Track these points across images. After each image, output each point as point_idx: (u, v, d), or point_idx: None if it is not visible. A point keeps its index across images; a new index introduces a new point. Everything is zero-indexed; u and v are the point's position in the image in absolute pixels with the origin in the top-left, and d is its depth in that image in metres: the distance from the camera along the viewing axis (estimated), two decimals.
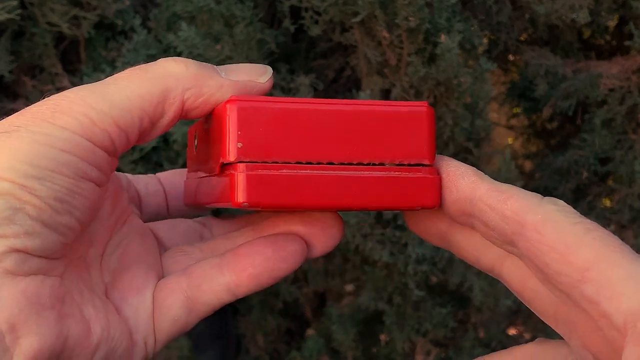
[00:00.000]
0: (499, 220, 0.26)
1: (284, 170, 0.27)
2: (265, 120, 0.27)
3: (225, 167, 0.28)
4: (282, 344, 1.20)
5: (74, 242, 0.28)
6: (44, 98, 0.27)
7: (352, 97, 1.03)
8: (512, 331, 1.37)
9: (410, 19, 0.89)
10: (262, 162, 0.27)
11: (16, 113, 0.27)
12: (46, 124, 0.26)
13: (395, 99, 0.99)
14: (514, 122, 1.47)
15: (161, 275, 0.32)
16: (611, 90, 1.11)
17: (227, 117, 0.27)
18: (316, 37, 1.03)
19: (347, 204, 0.28)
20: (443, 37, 0.91)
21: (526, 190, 0.27)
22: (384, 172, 0.28)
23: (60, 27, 0.98)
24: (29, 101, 1.02)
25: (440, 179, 0.29)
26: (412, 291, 0.98)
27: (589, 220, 0.25)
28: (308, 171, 0.27)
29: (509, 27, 1.15)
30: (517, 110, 1.40)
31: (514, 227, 0.26)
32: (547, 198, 0.26)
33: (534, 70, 1.16)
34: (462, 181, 0.28)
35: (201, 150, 0.32)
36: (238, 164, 0.27)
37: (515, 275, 0.29)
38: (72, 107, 0.26)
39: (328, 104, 0.28)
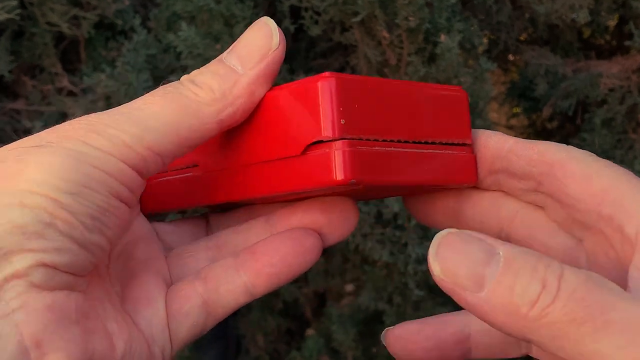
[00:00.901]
0: (526, 166, 0.29)
1: (375, 147, 0.27)
2: (358, 97, 0.27)
3: (313, 146, 0.27)
4: (282, 344, 1.20)
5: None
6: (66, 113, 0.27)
7: None
8: None
9: (410, 18, 0.89)
10: (358, 139, 0.27)
11: (46, 130, 0.26)
12: (79, 142, 0.25)
13: None
14: (514, 121, 1.47)
15: (169, 281, 0.31)
16: (611, 89, 1.11)
17: (322, 94, 0.27)
18: (316, 37, 1.03)
19: (418, 181, 0.29)
20: (443, 37, 0.91)
21: None
22: (440, 151, 0.29)
23: (60, 27, 0.98)
24: (29, 101, 1.02)
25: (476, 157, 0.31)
26: (412, 291, 0.98)
27: (609, 160, 0.28)
28: (392, 148, 0.28)
29: (509, 27, 1.15)
30: (517, 110, 1.40)
31: (541, 167, 0.29)
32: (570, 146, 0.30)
33: (534, 70, 1.16)
34: (491, 140, 0.30)
35: (227, 140, 0.31)
36: (338, 141, 0.26)
37: (524, 231, 0.31)
38: (106, 130, 0.26)
39: (405, 83, 0.29)
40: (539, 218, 0.30)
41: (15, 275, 0.23)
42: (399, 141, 0.28)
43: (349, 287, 1.15)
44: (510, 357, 0.33)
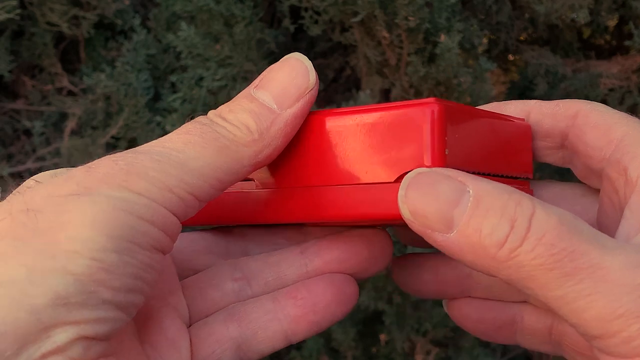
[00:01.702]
0: (551, 121, 0.30)
1: None
2: (458, 125, 0.26)
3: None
4: None
5: None
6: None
7: (352, 97, 1.02)
8: None
9: (410, 18, 0.89)
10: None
11: (79, 169, 0.24)
12: (121, 188, 0.23)
13: (395, 99, 0.99)
14: None
15: (187, 317, 0.29)
16: (611, 90, 1.11)
17: (426, 121, 0.25)
18: (316, 37, 1.03)
19: None
20: (443, 37, 0.91)
21: None
22: (515, 185, 0.28)
23: (60, 27, 0.98)
24: (29, 101, 1.02)
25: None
26: None
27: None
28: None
29: (509, 27, 1.15)
30: None
31: (566, 121, 0.29)
32: None
33: (534, 69, 1.16)
34: (509, 106, 0.31)
35: (296, 158, 0.28)
36: None
37: (550, 194, 0.32)
38: (148, 172, 0.24)
39: (489, 114, 0.28)
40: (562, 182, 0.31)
41: (54, 352, 0.22)
42: (483, 174, 0.27)
43: None
44: (510, 300, 0.32)
